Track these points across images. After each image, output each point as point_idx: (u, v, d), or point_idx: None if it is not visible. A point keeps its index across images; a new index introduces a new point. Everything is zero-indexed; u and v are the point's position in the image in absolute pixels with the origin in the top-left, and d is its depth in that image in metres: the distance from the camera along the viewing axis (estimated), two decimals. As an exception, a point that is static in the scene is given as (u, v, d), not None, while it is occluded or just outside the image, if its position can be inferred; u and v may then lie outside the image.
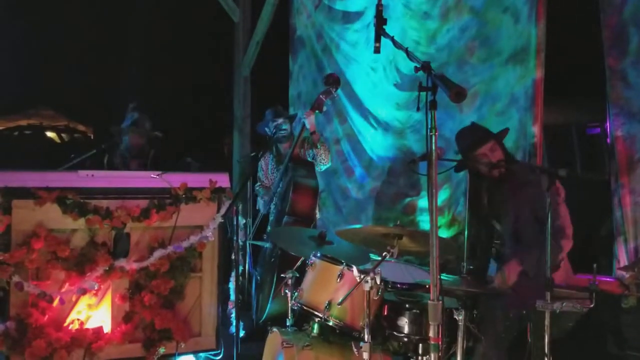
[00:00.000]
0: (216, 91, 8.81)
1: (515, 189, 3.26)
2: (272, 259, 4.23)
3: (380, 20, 2.51)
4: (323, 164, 4.52)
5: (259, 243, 4.49)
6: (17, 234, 3.46)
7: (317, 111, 4.44)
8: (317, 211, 4.57)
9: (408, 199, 5.37)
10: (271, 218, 4.59)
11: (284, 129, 4.60)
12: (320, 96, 4.44)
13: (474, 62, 4.70)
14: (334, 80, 4.49)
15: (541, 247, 2.84)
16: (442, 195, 4.80)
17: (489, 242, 3.43)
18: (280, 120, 4.62)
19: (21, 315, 3.42)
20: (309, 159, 4.52)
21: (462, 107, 4.63)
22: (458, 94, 2.04)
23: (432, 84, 2.16)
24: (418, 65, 2.24)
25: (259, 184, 4.88)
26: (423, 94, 2.17)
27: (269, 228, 4.57)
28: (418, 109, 2.21)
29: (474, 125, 3.51)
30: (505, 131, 3.46)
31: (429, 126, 2.14)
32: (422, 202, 5.25)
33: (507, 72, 4.39)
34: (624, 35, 3.73)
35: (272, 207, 4.56)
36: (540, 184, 3.17)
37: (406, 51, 2.36)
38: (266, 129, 4.71)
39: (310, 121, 4.42)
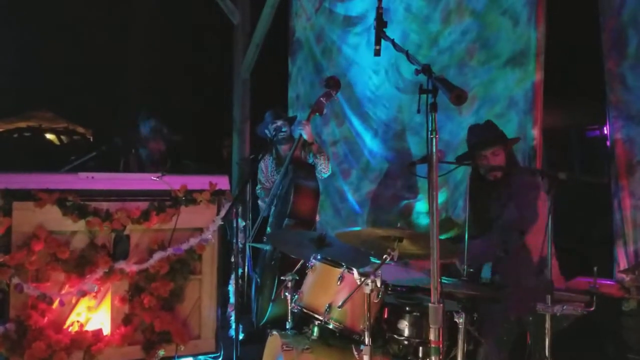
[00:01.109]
0: (215, 93, 8.81)
1: (512, 194, 3.27)
2: (272, 262, 4.22)
3: (380, 23, 2.51)
4: (324, 173, 4.52)
5: (258, 245, 4.48)
6: (18, 236, 3.46)
7: (317, 114, 4.44)
8: (317, 213, 4.57)
9: (405, 202, 5.38)
10: (271, 220, 4.58)
11: (284, 131, 4.59)
12: (321, 99, 4.42)
13: (474, 65, 4.70)
14: (335, 83, 4.47)
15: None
16: (440, 198, 4.79)
17: None
18: (279, 122, 4.61)
19: (21, 317, 3.42)
20: (309, 161, 4.52)
21: (462, 110, 4.63)
22: (458, 97, 2.04)
23: (433, 87, 2.16)
24: (418, 68, 2.24)
25: (259, 186, 4.86)
26: (423, 96, 2.17)
27: (268, 230, 4.56)
28: (418, 111, 2.21)
29: (488, 124, 3.51)
30: (515, 140, 3.53)
31: (430, 128, 2.14)
32: (419, 205, 5.25)
33: (506, 75, 4.39)
34: (623, 37, 3.73)
35: (272, 209, 4.56)
36: (536, 188, 3.19)
37: (406, 54, 2.36)
38: (266, 131, 4.71)
39: (307, 132, 4.38)
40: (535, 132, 4.15)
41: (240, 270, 4.33)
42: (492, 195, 3.38)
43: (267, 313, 4.09)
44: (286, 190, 4.36)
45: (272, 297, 4.06)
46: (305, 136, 4.40)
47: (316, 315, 2.78)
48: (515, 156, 3.56)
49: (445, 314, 2.27)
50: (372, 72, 5.73)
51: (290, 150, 4.46)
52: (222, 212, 3.88)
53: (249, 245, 4.50)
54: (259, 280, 4.45)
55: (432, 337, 2.13)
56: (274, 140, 4.62)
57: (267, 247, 4.34)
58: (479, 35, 4.65)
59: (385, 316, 2.84)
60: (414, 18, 5.21)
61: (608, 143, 3.83)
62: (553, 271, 3.20)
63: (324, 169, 4.49)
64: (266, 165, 4.80)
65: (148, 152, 4.92)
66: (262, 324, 4.15)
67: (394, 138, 5.47)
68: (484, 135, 3.37)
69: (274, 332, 2.98)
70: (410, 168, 4.48)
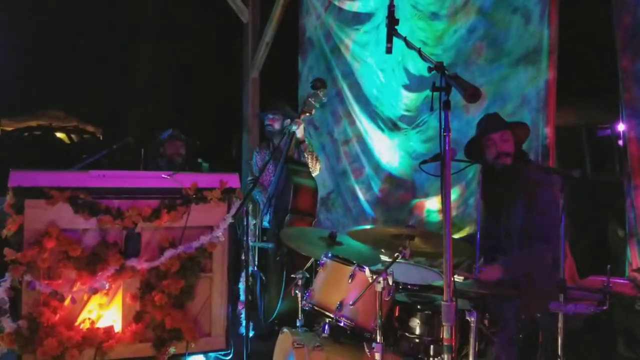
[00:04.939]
0: (225, 92, 8.84)
1: (524, 188, 3.23)
2: (277, 258, 4.23)
3: (392, 21, 2.50)
4: (312, 172, 4.58)
5: (260, 245, 4.52)
6: (29, 233, 3.47)
7: (307, 114, 4.50)
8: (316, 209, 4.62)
9: (415, 200, 5.37)
10: (269, 218, 4.56)
11: (274, 128, 4.74)
12: (309, 99, 4.50)
13: (481, 63, 4.68)
14: (321, 84, 4.55)
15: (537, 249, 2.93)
16: (451, 196, 4.79)
17: (496, 237, 3.39)
18: (272, 117, 4.75)
19: (33, 314, 3.43)
20: (302, 160, 4.59)
21: (469, 108, 4.61)
22: (472, 95, 2.03)
23: (446, 84, 2.15)
24: (431, 66, 2.23)
25: (250, 177, 4.95)
26: (436, 94, 2.16)
27: (268, 226, 4.57)
28: (432, 109, 2.20)
29: (496, 114, 3.50)
30: (523, 127, 3.39)
31: (443, 127, 2.12)
32: (430, 203, 5.24)
33: (518, 73, 4.36)
34: (638, 36, 3.70)
35: (268, 207, 4.56)
36: (551, 185, 3.16)
37: (419, 51, 2.35)
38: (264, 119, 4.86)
39: (300, 131, 4.52)
40: (548, 131, 4.12)
41: (250, 268, 4.34)
42: (502, 186, 3.32)
43: (277, 309, 4.10)
44: (283, 188, 4.39)
45: (281, 294, 4.07)
46: (298, 135, 4.52)
47: (327, 313, 2.78)
48: (524, 150, 3.48)
49: (457, 313, 2.26)
50: (379, 70, 5.72)
51: (284, 145, 4.54)
52: (233, 210, 3.88)
53: (252, 245, 4.52)
54: (264, 278, 4.47)
55: (444, 335, 2.12)
56: (268, 137, 4.82)
57: (270, 246, 4.36)
58: (486, 33, 4.63)
59: (397, 314, 2.83)
60: (421, 15, 5.20)
61: (621, 142, 3.80)
62: (570, 271, 3.18)
63: (310, 168, 4.59)
64: (262, 157, 4.91)
65: (167, 159, 4.95)
66: (271, 319, 4.17)
67: (402, 137, 5.45)
68: (491, 121, 3.35)
69: (285, 330, 2.98)
70: (422, 167, 4.47)
